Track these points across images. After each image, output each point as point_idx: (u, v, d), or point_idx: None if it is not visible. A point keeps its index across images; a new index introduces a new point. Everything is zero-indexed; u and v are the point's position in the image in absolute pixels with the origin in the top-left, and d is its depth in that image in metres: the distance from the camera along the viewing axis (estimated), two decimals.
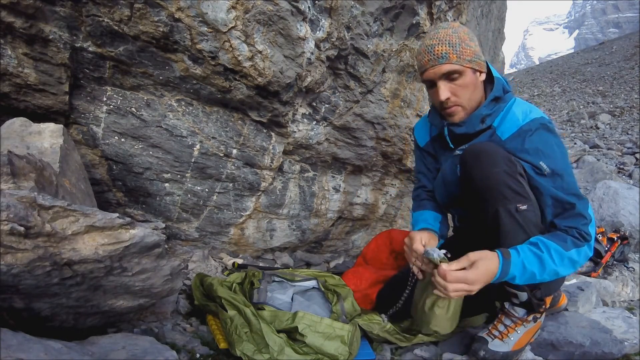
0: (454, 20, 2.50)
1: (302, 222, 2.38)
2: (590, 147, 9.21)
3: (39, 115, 1.52)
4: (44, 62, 1.44)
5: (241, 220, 2.13)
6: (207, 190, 1.98)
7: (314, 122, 2.13)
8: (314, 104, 2.08)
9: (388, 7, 2.01)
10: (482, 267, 1.14)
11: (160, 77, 1.66)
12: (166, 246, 1.37)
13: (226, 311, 1.33)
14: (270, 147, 2.05)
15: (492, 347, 1.32)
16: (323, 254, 2.61)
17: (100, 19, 1.43)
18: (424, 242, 1.33)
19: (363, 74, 2.11)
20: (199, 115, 1.82)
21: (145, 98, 1.71)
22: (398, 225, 2.85)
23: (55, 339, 0.91)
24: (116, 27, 1.46)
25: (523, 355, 1.37)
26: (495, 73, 1.38)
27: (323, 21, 1.81)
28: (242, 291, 1.51)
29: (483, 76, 1.35)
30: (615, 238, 2.57)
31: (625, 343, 1.41)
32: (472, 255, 1.16)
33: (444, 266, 1.15)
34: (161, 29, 1.49)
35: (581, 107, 16.73)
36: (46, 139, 1.35)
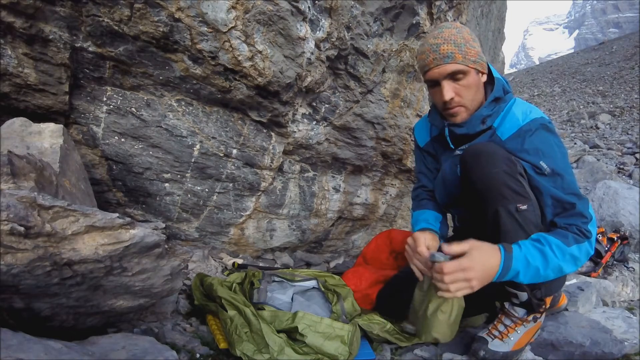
0: (454, 20, 2.50)
1: (302, 222, 2.38)
2: (590, 147, 9.21)
3: (39, 115, 1.52)
4: (44, 62, 1.44)
5: (241, 220, 2.13)
6: (207, 190, 1.98)
7: (314, 122, 2.13)
8: (314, 104, 2.08)
9: (388, 7, 2.01)
10: (476, 255, 1.11)
11: (160, 77, 1.66)
12: (166, 246, 1.37)
13: (226, 311, 1.33)
14: (270, 147, 2.05)
15: (492, 347, 1.32)
16: (323, 254, 2.61)
17: (100, 19, 1.43)
18: (428, 244, 1.31)
19: (363, 74, 2.11)
20: (199, 115, 1.82)
21: (145, 98, 1.71)
22: (398, 225, 2.85)
23: (55, 339, 0.91)
24: (116, 27, 1.46)
25: (523, 355, 1.37)
26: (495, 73, 1.38)
27: (323, 21, 1.81)
28: (242, 291, 1.51)
29: (484, 77, 1.35)
30: (615, 238, 2.57)
31: (625, 343, 1.41)
32: (472, 242, 1.13)
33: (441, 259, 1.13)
34: (161, 29, 1.49)
35: (581, 107, 16.73)
36: (46, 139, 1.35)
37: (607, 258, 2.47)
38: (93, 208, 0.98)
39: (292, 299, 1.58)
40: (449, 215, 1.63)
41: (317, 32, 1.81)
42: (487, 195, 1.22)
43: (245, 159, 2.00)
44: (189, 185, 1.93)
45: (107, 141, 1.70)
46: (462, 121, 1.34)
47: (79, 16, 1.41)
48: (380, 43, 2.10)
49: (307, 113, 2.08)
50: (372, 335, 1.46)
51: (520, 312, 1.35)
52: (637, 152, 8.19)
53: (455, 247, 1.13)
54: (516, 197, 1.20)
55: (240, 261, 2.01)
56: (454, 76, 1.27)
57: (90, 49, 1.49)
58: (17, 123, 1.33)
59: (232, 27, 1.56)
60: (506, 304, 1.37)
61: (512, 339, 1.34)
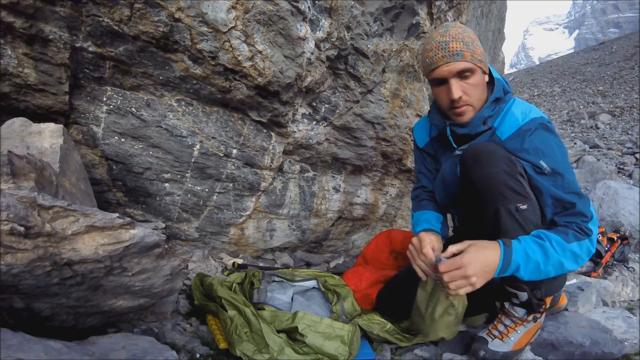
0: (454, 20, 2.50)
1: (302, 222, 2.38)
2: (590, 147, 9.21)
3: (39, 115, 1.52)
4: (44, 62, 1.44)
5: (241, 220, 2.13)
6: (207, 190, 1.98)
7: (314, 122, 2.13)
8: (314, 104, 2.08)
9: (388, 7, 2.01)
10: (473, 251, 1.12)
11: (160, 77, 1.66)
12: (166, 246, 1.37)
13: (226, 311, 1.33)
14: (270, 147, 2.05)
15: (492, 347, 1.32)
16: (323, 254, 2.61)
17: (100, 19, 1.43)
18: (433, 245, 1.31)
19: (363, 74, 2.11)
20: (199, 115, 1.82)
21: (145, 98, 1.71)
22: (398, 225, 2.85)
23: (55, 339, 0.91)
24: (116, 27, 1.46)
25: (523, 355, 1.37)
26: (495, 74, 1.38)
27: (323, 21, 1.81)
28: (242, 291, 1.51)
29: (487, 77, 1.35)
30: (615, 238, 2.57)
31: (625, 343, 1.41)
32: (469, 241, 1.15)
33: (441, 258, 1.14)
34: (161, 29, 1.49)
35: (581, 107, 16.73)
36: (46, 139, 1.35)
37: (607, 258, 2.47)
38: (93, 208, 0.98)
39: (292, 299, 1.58)
40: (449, 216, 1.63)
41: (317, 32, 1.81)
42: (487, 195, 1.22)
43: (245, 159, 2.00)
44: (189, 185, 1.93)
45: (107, 141, 1.70)
46: (468, 120, 1.33)
47: (79, 16, 1.41)
48: (380, 43, 2.10)
49: (307, 113, 2.08)
50: (372, 335, 1.46)
51: (520, 312, 1.35)
52: (637, 152, 8.19)
53: (451, 248, 1.15)
54: (516, 197, 1.20)
55: (240, 261, 2.01)
56: (462, 74, 1.26)
57: (90, 49, 1.49)
58: (17, 123, 1.33)
59: (232, 27, 1.57)
60: (506, 304, 1.37)
61: (512, 339, 1.34)
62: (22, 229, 0.84)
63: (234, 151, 1.96)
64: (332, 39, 1.88)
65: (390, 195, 2.72)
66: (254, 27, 1.61)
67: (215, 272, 1.91)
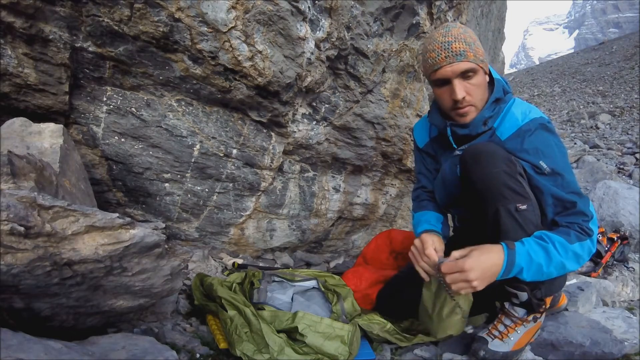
0: (454, 20, 2.50)
1: (302, 222, 2.38)
2: (590, 147, 9.21)
3: (39, 115, 1.52)
4: (44, 62, 1.44)
5: (241, 220, 2.13)
6: (207, 190, 1.98)
7: (314, 122, 2.13)
8: (314, 104, 2.08)
9: (388, 7, 2.01)
10: (476, 255, 1.13)
11: (160, 77, 1.66)
12: (166, 246, 1.37)
13: (226, 311, 1.33)
14: (270, 147, 2.05)
15: (492, 347, 1.32)
16: (323, 254, 2.61)
17: (100, 19, 1.43)
18: (435, 246, 1.30)
19: (363, 74, 2.11)
20: (199, 115, 1.82)
21: (145, 98, 1.71)
22: (398, 225, 2.85)
23: (55, 339, 0.91)
24: (116, 27, 1.46)
25: (523, 355, 1.37)
26: (495, 74, 1.38)
27: (323, 21, 1.81)
28: (242, 291, 1.51)
29: (487, 78, 1.35)
30: (615, 238, 2.57)
31: (625, 343, 1.41)
32: (470, 247, 1.16)
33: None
34: (161, 29, 1.49)
35: (581, 107, 16.73)
36: (46, 139, 1.35)
37: (607, 258, 2.47)
38: (93, 208, 0.98)
39: (292, 299, 1.58)
40: (449, 216, 1.63)
41: (317, 32, 1.81)
42: (487, 195, 1.22)
43: (245, 159, 2.00)
44: (189, 185, 1.93)
45: (107, 141, 1.70)
46: (470, 121, 1.32)
47: (79, 16, 1.41)
48: (380, 43, 2.10)
49: (307, 113, 2.08)
50: (372, 335, 1.46)
51: (520, 312, 1.35)
52: (637, 152, 8.19)
53: (455, 254, 1.15)
54: (516, 197, 1.20)
55: (240, 261, 2.01)
56: (465, 74, 1.26)
57: (90, 49, 1.49)
58: (17, 123, 1.33)
59: (232, 27, 1.57)
60: (506, 304, 1.37)
61: (512, 339, 1.34)
62: (22, 229, 0.84)
63: (234, 151, 1.96)
64: (332, 39, 1.88)
65: (390, 195, 2.72)
66: (254, 27, 1.61)
67: (215, 272, 1.91)
